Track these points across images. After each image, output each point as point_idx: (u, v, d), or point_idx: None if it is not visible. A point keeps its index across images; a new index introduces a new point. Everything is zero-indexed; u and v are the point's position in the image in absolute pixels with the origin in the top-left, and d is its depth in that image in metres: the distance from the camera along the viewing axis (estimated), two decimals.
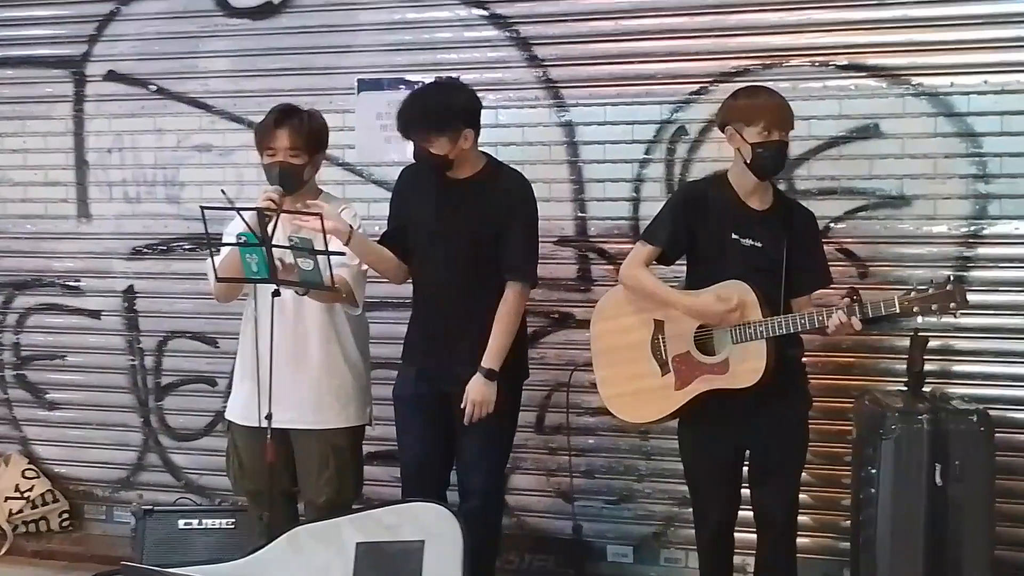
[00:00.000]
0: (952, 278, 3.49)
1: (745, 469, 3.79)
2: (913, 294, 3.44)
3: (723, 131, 3.68)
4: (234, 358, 4.06)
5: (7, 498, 5.28)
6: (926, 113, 4.27)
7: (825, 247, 3.89)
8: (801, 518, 3.89)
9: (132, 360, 5.36)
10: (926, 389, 3.96)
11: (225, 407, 4.16)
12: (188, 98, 5.15)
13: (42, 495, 5.34)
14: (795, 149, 3.79)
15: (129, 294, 5.33)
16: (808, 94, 4.29)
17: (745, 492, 3.80)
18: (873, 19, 4.29)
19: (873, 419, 3.85)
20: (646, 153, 4.59)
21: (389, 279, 4.00)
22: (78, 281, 5.40)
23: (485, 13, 4.74)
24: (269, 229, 3.49)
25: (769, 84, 3.90)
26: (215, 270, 3.62)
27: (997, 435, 3.81)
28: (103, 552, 5.04)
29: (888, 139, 4.32)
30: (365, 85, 4.88)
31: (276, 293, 3.52)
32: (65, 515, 5.39)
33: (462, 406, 3.75)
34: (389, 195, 4.15)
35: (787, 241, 3.60)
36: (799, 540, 3.86)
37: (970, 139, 4.24)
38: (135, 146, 5.25)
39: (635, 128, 4.60)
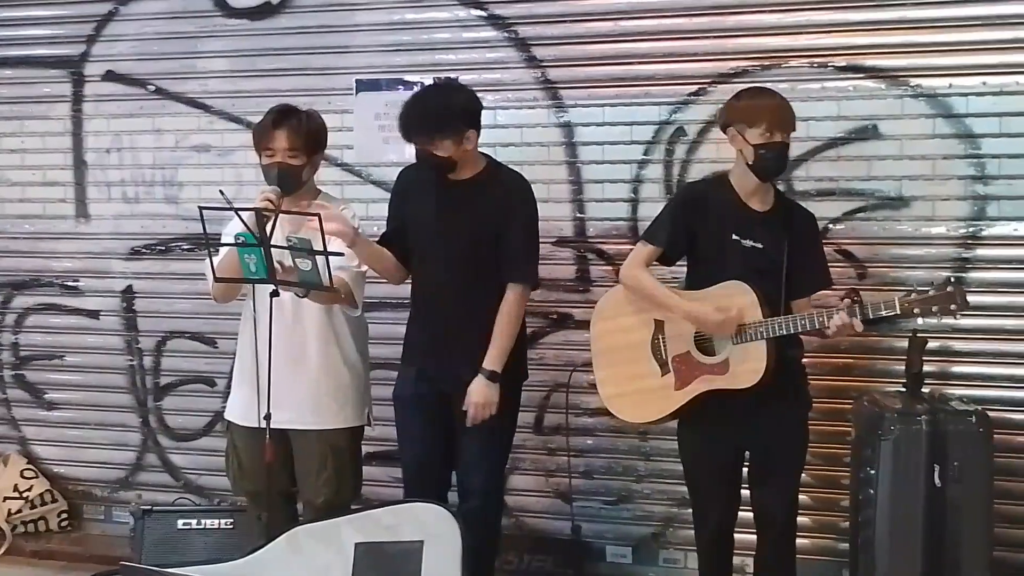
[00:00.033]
0: (953, 280, 3.49)
1: (745, 470, 3.79)
2: (914, 295, 3.45)
3: (725, 132, 3.68)
4: (233, 358, 4.06)
5: (6, 498, 5.27)
6: (925, 114, 4.28)
7: (824, 248, 3.90)
8: (800, 519, 3.89)
9: (131, 360, 5.36)
10: (925, 390, 3.96)
11: (224, 407, 4.16)
12: (187, 98, 5.15)
13: (41, 495, 5.34)
14: (794, 150, 3.79)
15: (128, 294, 5.33)
16: (807, 95, 4.29)
17: (745, 493, 3.80)
18: (872, 20, 4.29)
19: (872, 420, 3.86)
20: (645, 154, 4.59)
21: (388, 279, 4.00)
22: (77, 281, 5.40)
23: (484, 14, 4.74)
24: (268, 229, 3.49)
25: (768, 85, 3.90)
26: (213, 270, 3.62)
27: (996, 436, 3.81)
28: (102, 552, 5.04)
29: (887, 140, 4.32)
30: (363, 86, 4.88)
31: (275, 293, 3.52)
32: (64, 515, 5.39)
33: (464, 408, 3.75)
34: (387, 195, 4.15)
35: (788, 243, 3.60)
36: (798, 541, 3.87)
37: (969, 140, 4.24)
38: (133, 146, 5.25)
39: (634, 129, 4.60)
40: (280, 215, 3.54)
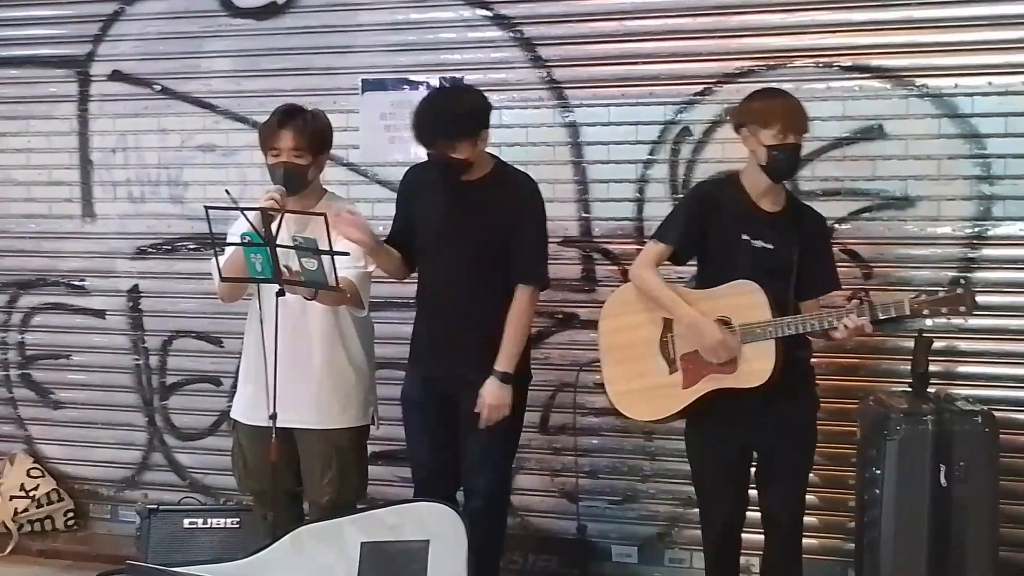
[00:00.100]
0: (963, 281, 3.49)
1: (753, 470, 3.79)
2: (923, 296, 3.45)
3: (738, 132, 3.69)
4: (239, 358, 4.06)
5: (12, 497, 5.29)
6: (930, 114, 4.28)
7: (833, 250, 3.90)
8: (807, 519, 3.88)
9: (137, 359, 5.37)
10: (930, 390, 3.96)
11: (230, 406, 4.17)
12: (192, 98, 5.16)
13: (47, 494, 5.35)
14: None
15: (133, 294, 5.34)
16: (812, 95, 4.28)
17: (753, 493, 3.80)
18: (877, 20, 4.29)
19: (877, 420, 3.85)
20: (650, 154, 4.60)
21: (391, 276, 4.00)
22: (82, 281, 5.41)
23: (489, 14, 4.74)
24: (273, 229, 3.49)
25: (773, 85, 3.90)
26: (219, 270, 3.62)
27: (1001, 436, 3.80)
28: (108, 551, 5.04)
29: (892, 140, 4.32)
30: (369, 85, 4.89)
31: (280, 293, 3.52)
32: (70, 514, 5.40)
33: (476, 410, 3.75)
34: (393, 195, 4.15)
35: (798, 244, 3.60)
36: (804, 540, 3.86)
37: (974, 140, 4.24)
38: (139, 146, 5.26)
39: (639, 129, 4.60)
40: (286, 215, 3.53)
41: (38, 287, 5.49)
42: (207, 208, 3.49)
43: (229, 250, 3.69)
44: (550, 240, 3.97)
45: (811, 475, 3.85)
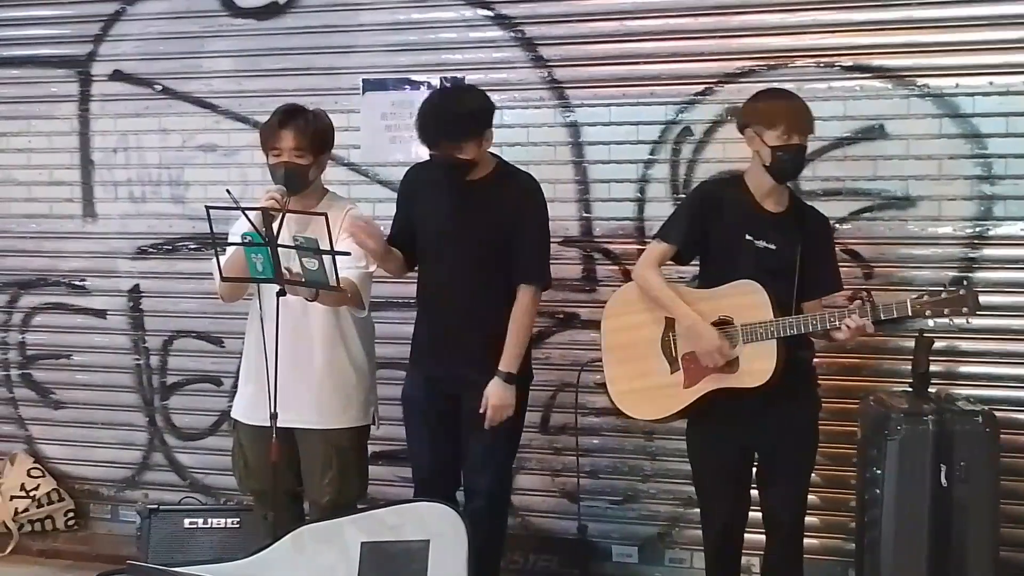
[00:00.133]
0: (965, 282, 3.50)
1: (755, 470, 3.79)
2: (926, 297, 3.44)
3: (742, 133, 3.68)
4: (239, 357, 4.06)
5: (13, 497, 5.29)
6: (931, 114, 4.28)
7: (836, 251, 3.90)
8: (808, 519, 3.88)
9: (137, 359, 5.37)
10: (931, 390, 3.96)
11: (230, 406, 4.17)
12: (193, 98, 5.16)
13: (48, 494, 5.35)
14: None
15: (134, 293, 5.34)
16: (813, 95, 4.25)
17: (755, 493, 3.80)
18: (878, 20, 4.29)
19: (878, 420, 3.85)
20: (651, 154, 4.60)
21: (392, 275, 4.00)
22: (83, 280, 5.41)
23: (490, 14, 4.74)
24: (274, 229, 3.49)
25: (774, 85, 3.90)
26: (220, 270, 3.62)
27: (1002, 436, 3.80)
28: (108, 551, 5.04)
29: (893, 140, 4.32)
30: (370, 85, 4.89)
31: (281, 293, 3.52)
32: (71, 514, 5.40)
33: (481, 410, 3.75)
34: (394, 195, 4.15)
35: (800, 245, 3.60)
36: (805, 541, 3.86)
37: (975, 140, 4.24)
38: (140, 146, 5.26)
39: (640, 129, 4.60)
40: (287, 215, 3.53)
41: (39, 287, 5.49)
42: (208, 208, 3.49)
43: (230, 250, 3.69)
44: (551, 240, 3.96)
45: (812, 475, 3.85)
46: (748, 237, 3.62)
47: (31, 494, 5.31)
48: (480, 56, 4.75)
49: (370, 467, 4.07)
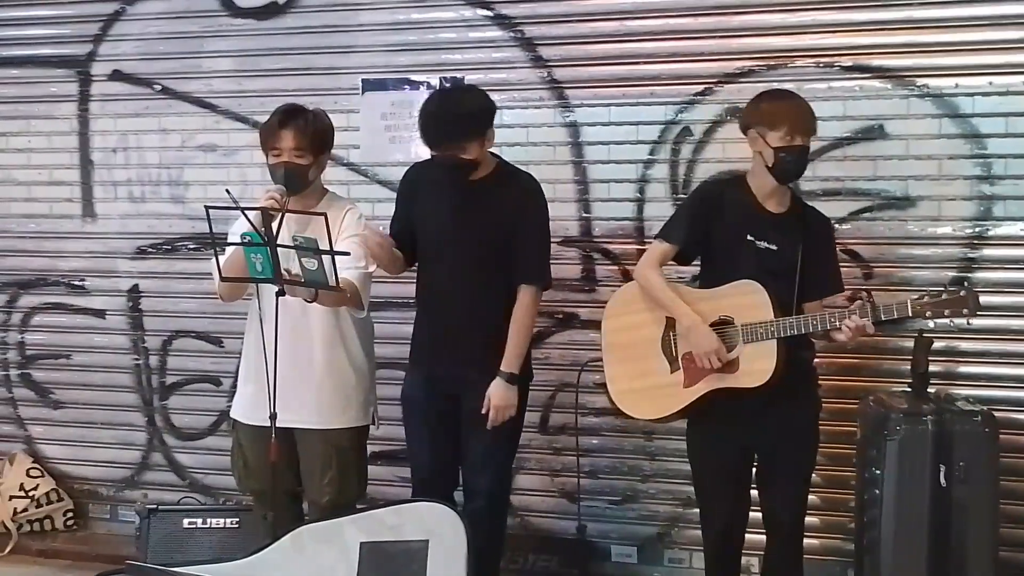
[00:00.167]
0: (966, 283, 3.49)
1: (755, 471, 3.79)
2: (926, 298, 3.44)
3: (745, 134, 3.68)
4: (239, 357, 4.06)
5: (12, 497, 5.28)
6: (931, 114, 4.28)
7: (838, 253, 3.89)
8: (808, 519, 3.88)
9: (137, 359, 5.37)
10: (931, 390, 3.96)
11: (230, 406, 4.17)
12: (193, 98, 5.16)
13: (47, 494, 5.34)
14: None
15: (134, 293, 5.34)
16: (813, 95, 4.23)
17: (754, 493, 3.80)
18: (878, 20, 4.29)
19: (877, 420, 3.85)
20: (650, 154, 4.60)
21: (390, 274, 4.00)
22: (83, 280, 5.41)
23: (489, 14, 4.74)
24: (274, 229, 3.48)
25: (773, 85, 3.90)
26: (219, 269, 3.62)
27: (1002, 436, 3.80)
28: (108, 551, 5.04)
29: (893, 140, 4.32)
30: (369, 85, 4.89)
31: (280, 293, 3.52)
32: (70, 514, 5.39)
33: (483, 411, 3.75)
34: (394, 195, 4.14)
35: (802, 246, 3.60)
36: (805, 541, 3.86)
37: (975, 140, 4.24)
38: (140, 146, 5.26)
39: (639, 129, 4.60)
40: (286, 215, 3.53)
41: (38, 287, 5.48)
42: (207, 208, 3.48)
43: (229, 250, 3.69)
44: (551, 240, 3.96)
45: (813, 475, 3.84)
46: (749, 237, 3.62)
47: (30, 494, 5.30)
48: (480, 56, 4.75)
49: (370, 467, 4.07)
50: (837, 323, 3.48)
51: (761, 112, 3.63)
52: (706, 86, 4.50)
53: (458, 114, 3.70)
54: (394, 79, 4.85)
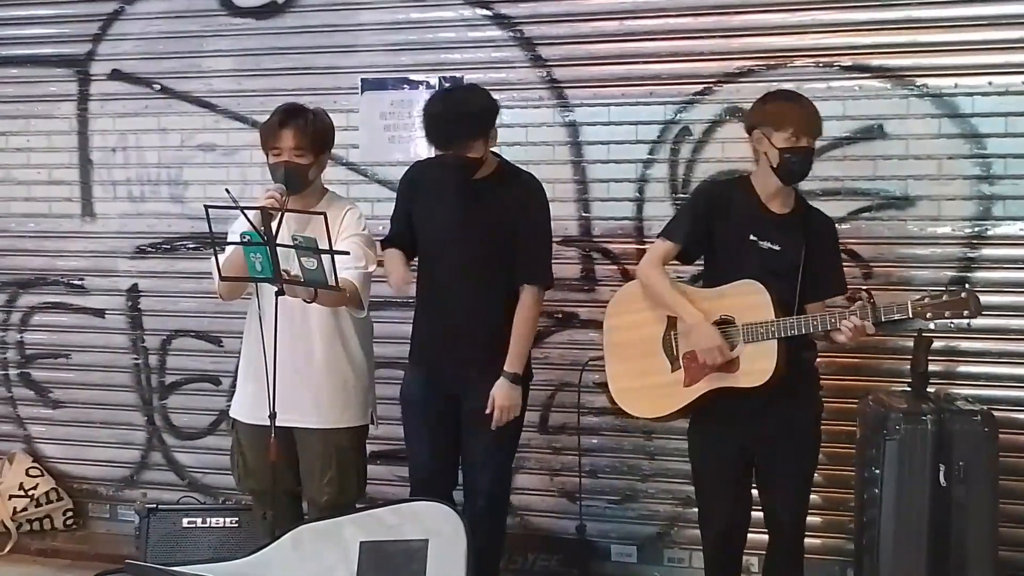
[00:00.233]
0: (967, 285, 3.49)
1: (756, 471, 3.78)
2: (927, 299, 3.44)
3: (750, 134, 3.67)
4: (238, 357, 4.06)
5: (11, 496, 5.28)
6: (930, 114, 4.28)
7: (841, 254, 3.89)
8: (808, 518, 3.87)
9: (136, 359, 5.37)
10: (930, 390, 3.96)
11: (229, 406, 4.16)
12: (192, 97, 5.16)
13: (46, 493, 5.34)
14: None
15: (133, 293, 5.34)
16: (812, 95, 4.19)
17: (755, 493, 3.79)
18: (877, 20, 4.29)
19: (877, 420, 3.85)
20: (650, 153, 4.60)
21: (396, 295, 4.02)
22: (82, 280, 5.41)
23: (489, 13, 4.74)
24: (273, 228, 3.48)
25: (773, 85, 3.90)
26: (219, 269, 3.62)
27: (1001, 436, 3.80)
28: (107, 550, 5.04)
29: (892, 140, 4.33)
30: (369, 85, 4.89)
31: (280, 292, 3.52)
32: (69, 513, 5.39)
33: (487, 411, 3.75)
34: (393, 195, 4.14)
35: (805, 247, 3.60)
36: (806, 540, 3.85)
37: (974, 140, 4.25)
38: (139, 145, 5.26)
39: (639, 128, 4.60)
40: (286, 214, 3.53)
41: (38, 286, 5.48)
42: (207, 207, 3.48)
43: (229, 249, 3.69)
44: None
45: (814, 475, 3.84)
46: (752, 238, 3.62)
47: (30, 493, 5.30)
48: (479, 56, 4.76)
49: (369, 467, 4.07)
50: (838, 323, 3.48)
51: (767, 113, 3.62)
52: (706, 86, 4.50)
53: (462, 113, 3.70)
54: (394, 79, 4.85)
